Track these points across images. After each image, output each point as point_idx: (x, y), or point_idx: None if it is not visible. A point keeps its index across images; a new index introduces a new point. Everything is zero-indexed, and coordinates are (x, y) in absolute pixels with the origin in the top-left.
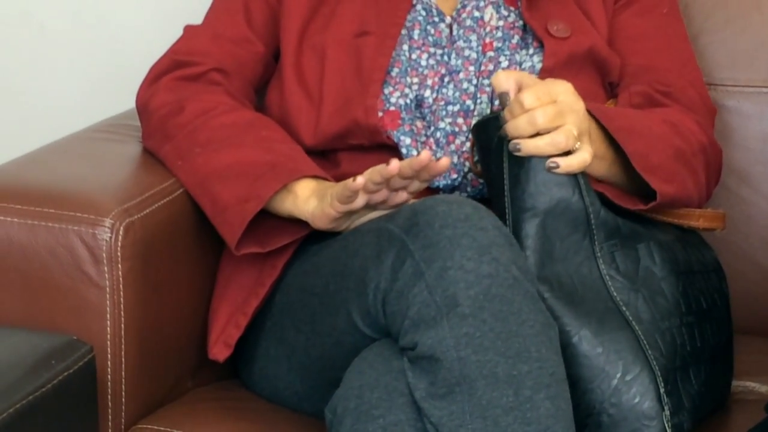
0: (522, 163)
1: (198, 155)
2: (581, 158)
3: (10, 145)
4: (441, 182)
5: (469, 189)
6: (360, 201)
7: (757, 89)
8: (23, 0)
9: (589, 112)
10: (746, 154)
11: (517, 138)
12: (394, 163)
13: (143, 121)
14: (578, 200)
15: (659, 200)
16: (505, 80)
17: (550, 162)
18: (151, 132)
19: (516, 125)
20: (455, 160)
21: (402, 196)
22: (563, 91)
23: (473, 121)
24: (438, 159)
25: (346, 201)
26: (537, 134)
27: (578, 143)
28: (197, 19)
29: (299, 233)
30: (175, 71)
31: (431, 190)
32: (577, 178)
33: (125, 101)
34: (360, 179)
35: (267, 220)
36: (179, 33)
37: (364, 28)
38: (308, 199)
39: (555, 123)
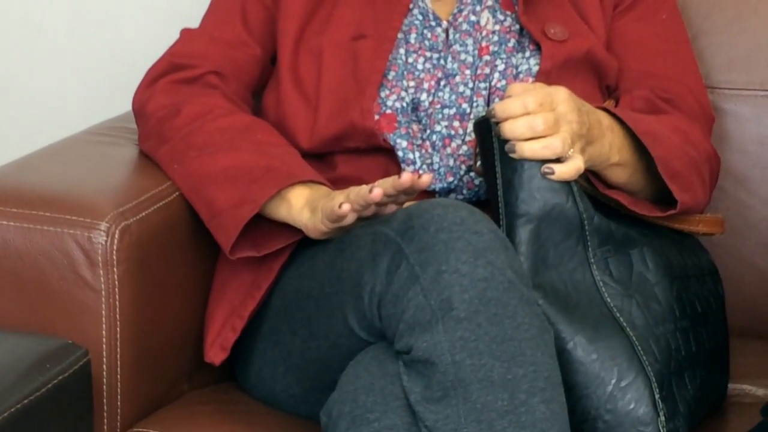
0: (515, 168)
1: (193, 159)
2: (575, 166)
3: (7, 147)
4: (437, 185)
5: (465, 191)
6: (349, 219)
7: (754, 92)
8: (22, 2)
9: (614, 115)
10: (743, 157)
11: (512, 139)
12: (377, 191)
13: (140, 124)
14: (572, 206)
15: (679, 209)
16: (520, 89)
17: (545, 168)
18: (147, 135)
19: (513, 127)
20: (451, 163)
21: (391, 207)
22: (562, 100)
23: (469, 126)
24: (420, 175)
25: (336, 220)
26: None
27: (571, 150)
28: (195, 22)
29: (294, 237)
30: (171, 74)
31: (427, 194)
32: (570, 184)
33: (122, 104)
34: (345, 206)
35: (262, 224)
36: (177, 36)
37: (361, 31)
38: (302, 209)
39: (552, 131)
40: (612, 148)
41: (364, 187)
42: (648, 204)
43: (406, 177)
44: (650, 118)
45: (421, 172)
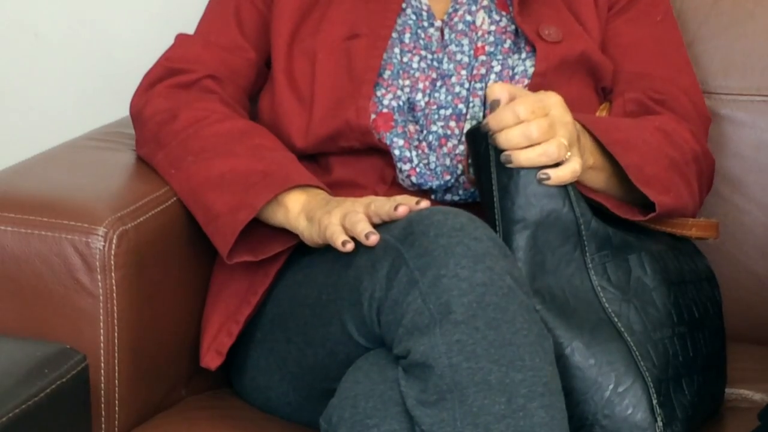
0: (511, 174)
1: (191, 164)
2: (572, 169)
3: (4, 152)
4: (434, 183)
5: (461, 192)
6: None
7: (751, 97)
8: (18, 8)
9: (583, 125)
10: (740, 162)
11: (508, 149)
12: (373, 239)
13: (137, 129)
14: (569, 211)
15: (658, 211)
16: (499, 91)
17: (541, 173)
18: (144, 140)
19: (509, 137)
20: (448, 162)
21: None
22: (554, 104)
23: (465, 126)
24: (417, 201)
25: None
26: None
27: (568, 153)
28: (190, 27)
29: (291, 242)
30: (168, 79)
31: (424, 192)
32: (567, 189)
33: (119, 109)
34: (349, 245)
35: (259, 228)
36: (172, 41)
37: (354, 30)
38: (298, 216)
39: (547, 136)
40: (586, 152)
41: (362, 222)
42: (632, 208)
43: (403, 210)
44: (626, 122)
45: (419, 168)
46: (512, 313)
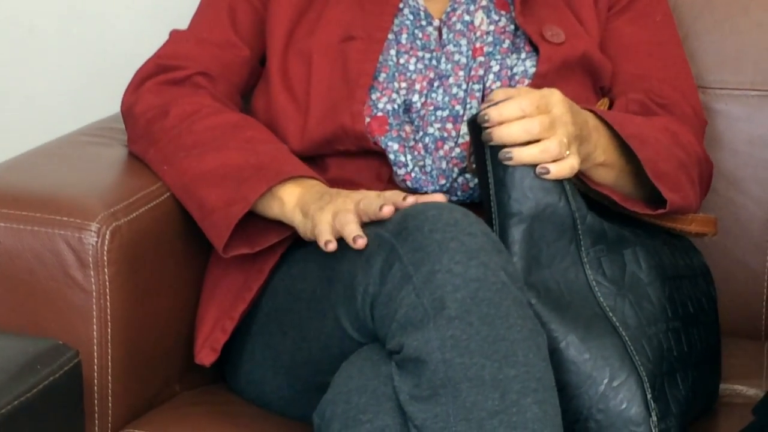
0: (507, 168)
1: (183, 159)
2: (570, 164)
3: None
4: (429, 188)
5: (459, 193)
6: None
7: (745, 92)
8: (12, 3)
9: (600, 118)
10: (734, 157)
11: (508, 144)
12: (360, 243)
13: (128, 126)
14: (564, 205)
15: (668, 208)
16: (503, 95)
17: (540, 167)
18: (136, 136)
19: (509, 130)
20: (443, 165)
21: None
22: (556, 102)
23: (462, 128)
24: (404, 198)
25: None
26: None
27: (567, 152)
28: (184, 23)
29: (287, 231)
30: (159, 75)
31: (420, 195)
32: (563, 183)
33: (112, 105)
34: (330, 247)
35: (254, 220)
36: (166, 37)
37: (350, 32)
38: (294, 209)
39: (548, 134)
40: (597, 149)
41: (351, 223)
42: (639, 202)
43: (388, 211)
44: (638, 119)
45: (414, 173)
46: (506, 309)
